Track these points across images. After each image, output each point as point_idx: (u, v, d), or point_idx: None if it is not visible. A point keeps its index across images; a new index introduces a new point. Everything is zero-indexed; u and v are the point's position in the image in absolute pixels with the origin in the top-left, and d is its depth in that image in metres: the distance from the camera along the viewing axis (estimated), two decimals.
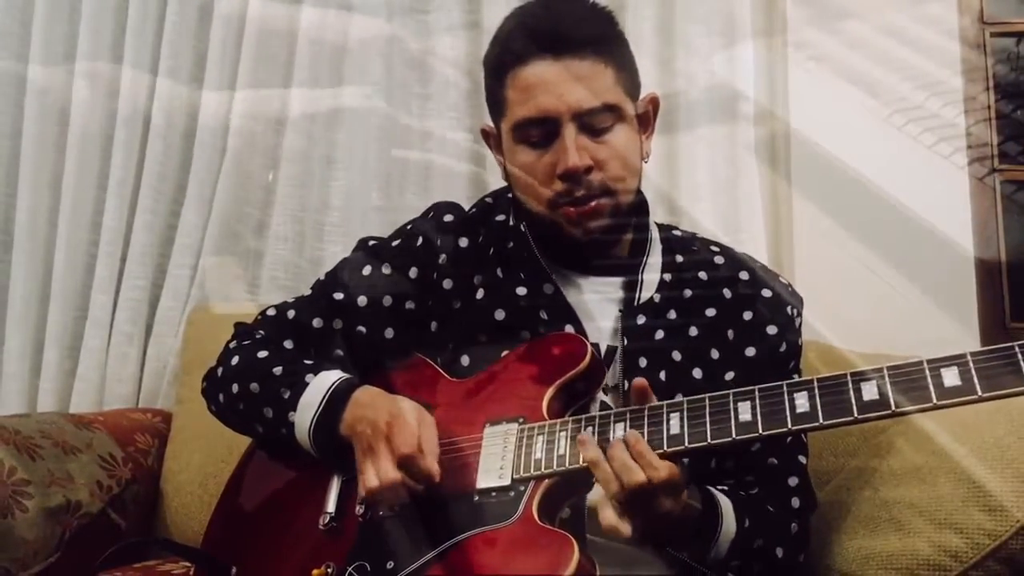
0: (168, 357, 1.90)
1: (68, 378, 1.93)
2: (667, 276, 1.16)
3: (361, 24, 1.94)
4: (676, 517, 0.94)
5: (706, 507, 1.01)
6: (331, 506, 1.07)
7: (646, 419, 0.95)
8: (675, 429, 0.93)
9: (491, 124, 1.20)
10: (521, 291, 1.14)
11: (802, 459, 1.14)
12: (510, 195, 1.21)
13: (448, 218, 1.21)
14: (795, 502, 1.11)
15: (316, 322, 1.19)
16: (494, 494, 0.98)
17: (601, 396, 1.10)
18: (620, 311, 1.13)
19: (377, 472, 1.00)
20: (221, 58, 1.95)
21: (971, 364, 0.83)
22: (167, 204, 1.97)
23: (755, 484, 1.12)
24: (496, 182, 1.60)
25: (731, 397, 0.93)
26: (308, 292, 1.24)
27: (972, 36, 1.88)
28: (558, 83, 1.06)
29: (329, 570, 1.01)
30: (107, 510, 1.50)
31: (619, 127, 1.09)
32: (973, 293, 1.79)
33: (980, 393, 0.81)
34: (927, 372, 0.84)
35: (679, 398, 0.97)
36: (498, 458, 1.01)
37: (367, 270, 1.20)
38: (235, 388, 1.15)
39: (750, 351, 1.13)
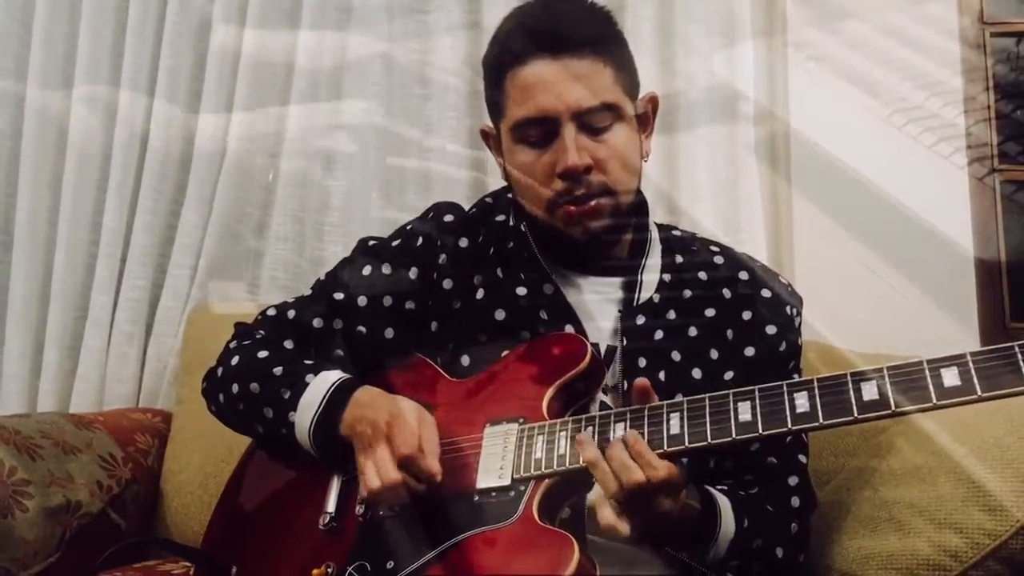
0: (168, 357, 1.90)
1: (68, 378, 1.93)
2: (667, 276, 1.16)
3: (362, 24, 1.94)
4: (675, 517, 0.94)
5: (705, 507, 1.01)
6: (331, 506, 1.07)
7: (646, 419, 0.95)
8: (675, 429, 0.93)
9: (490, 125, 1.20)
10: (521, 291, 1.14)
11: (802, 458, 1.14)
12: (510, 195, 1.21)
13: (448, 218, 1.21)
14: (795, 501, 1.11)
15: (316, 322, 1.19)
16: (494, 494, 0.98)
17: (601, 396, 1.10)
18: (619, 311, 1.13)
19: (378, 472, 1.00)
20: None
21: (971, 364, 0.83)
22: (167, 204, 1.97)
23: (754, 484, 1.12)
24: (496, 183, 1.60)
25: (731, 397, 0.93)
26: (308, 292, 1.24)
27: (972, 36, 1.88)
28: (557, 82, 1.06)
29: (329, 570, 1.01)
30: (107, 510, 1.50)
31: (618, 126, 1.09)
32: (973, 293, 1.79)
33: (980, 393, 0.81)
34: (927, 372, 0.84)
35: (678, 398, 0.97)
36: (498, 458, 1.01)
37: (367, 270, 1.20)
38: (235, 388, 1.15)
39: (749, 351, 1.13)
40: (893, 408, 0.85)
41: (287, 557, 1.07)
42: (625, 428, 0.95)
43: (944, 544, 1.03)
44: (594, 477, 0.93)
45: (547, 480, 0.97)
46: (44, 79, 2.01)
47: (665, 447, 0.92)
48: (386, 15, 1.94)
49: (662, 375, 1.09)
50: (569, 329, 1.11)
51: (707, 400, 0.94)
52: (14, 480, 1.36)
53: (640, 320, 1.12)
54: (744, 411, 0.91)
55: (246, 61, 1.94)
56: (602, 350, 1.11)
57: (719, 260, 1.20)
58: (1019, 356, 0.81)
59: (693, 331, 1.13)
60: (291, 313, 1.21)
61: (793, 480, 1.12)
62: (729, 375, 1.12)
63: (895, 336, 1.50)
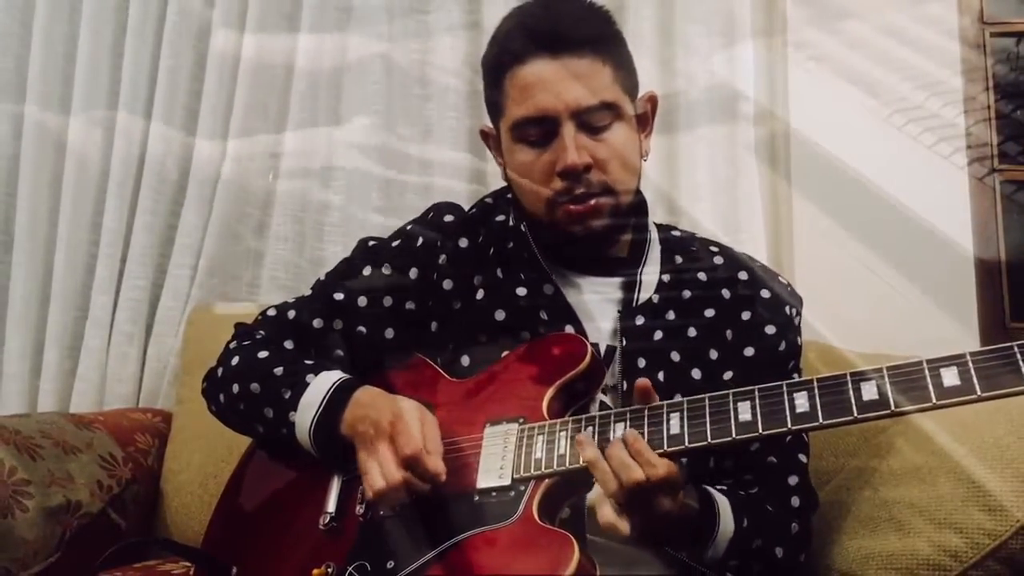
0: (168, 357, 1.90)
1: (68, 378, 1.93)
2: (666, 277, 1.16)
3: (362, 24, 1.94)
4: (674, 516, 0.94)
5: (703, 507, 1.01)
6: (331, 506, 1.07)
7: (646, 419, 0.95)
8: (675, 429, 0.93)
9: (490, 125, 1.20)
10: (521, 291, 1.14)
11: (802, 458, 1.14)
12: (510, 195, 1.21)
13: (448, 218, 1.21)
14: (795, 501, 1.11)
15: (316, 322, 1.19)
16: (494, 494, 0.98)
17: (601, 396, 1.10)
18: (619, 312, 1.13)
19: (382, 472, 1.00)
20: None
21: (970, 364, 0.83)
22: (167, 204, 1.97)
23: (754, 483, 1.12)
24: (496, 183, 1.60)
25: (731, 397, 0.93)
26: (308, 292, 1.24)
27: (972, 36, 1.88)
28: (556, 82, 1.06)
29: (329, 570, 1.01)
30: (107, 510, 1.50)
31: (617, 125, 1.09)
32: (973, 293, 1.79)
33: (979, 393, 0.81)
34: (927, 372, 0.84)
35: (678, 398, 0.97)
36: (498, 458, 1.01)
37: (367, 270, 1.20)
38: (235, 388, 1.15)
39: (749, 351, 1.14)
40: (893, 408, 0.85)
41: (287, 557, 1.07)
42: (625, 428, 0.95)
43: (944, 544, 1.03)
44: (594, 476, 0.93)
45: (547, 480, 0.97)
46: (44, 79, 2.01)
47: (665, 447, 0.92)
48: (386, 15, 1.94)
49: (661, 375, 1.09)
50: (569, 329, 1.11)
51: (707, 400, 0.94)
52: (14, 480, 1.36)
53: (639, 320, 1.12)
54: (744, 411, 0.91)
55: (246, 62, 1.94)
56: (602, 350, 1.11)
57: (719, 260, 1.20)
58: (1019, 356, 0.81)
59: (692, 331, 1.13)
60: (291, 313, 1.21)
61: (793, 480, 1.12)
62: (728, 375, 1.12)
63: (895, 336, 1.50)
